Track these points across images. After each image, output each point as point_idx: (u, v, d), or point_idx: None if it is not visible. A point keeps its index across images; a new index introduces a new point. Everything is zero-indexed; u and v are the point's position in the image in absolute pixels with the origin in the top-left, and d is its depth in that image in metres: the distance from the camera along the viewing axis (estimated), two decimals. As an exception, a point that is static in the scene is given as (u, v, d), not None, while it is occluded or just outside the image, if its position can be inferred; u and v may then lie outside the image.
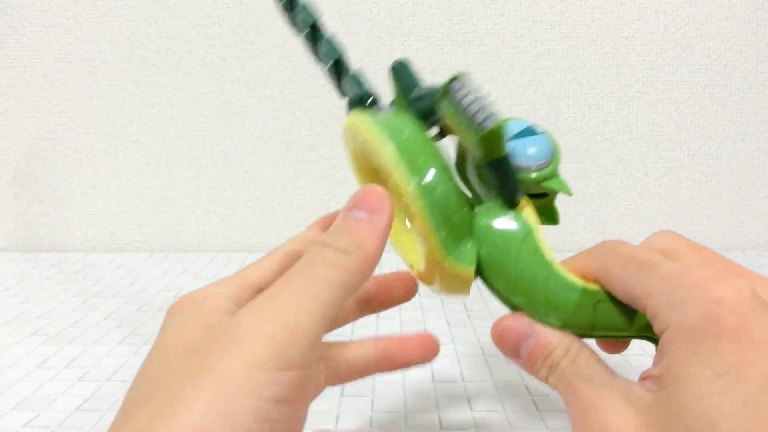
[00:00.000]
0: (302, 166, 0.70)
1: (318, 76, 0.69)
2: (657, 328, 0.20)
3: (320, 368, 0.26)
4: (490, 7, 0.67)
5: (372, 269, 0.22)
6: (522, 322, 0.23)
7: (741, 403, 0.17)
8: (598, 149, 0.70)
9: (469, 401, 0.38)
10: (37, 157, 0.71)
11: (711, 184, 0.72)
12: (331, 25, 0.66)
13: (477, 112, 0.22)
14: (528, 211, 0.25)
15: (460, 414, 0.36)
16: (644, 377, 0.20)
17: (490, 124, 0.22)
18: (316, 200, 0.69)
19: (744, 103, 0.69)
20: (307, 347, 0.19)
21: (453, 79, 0.23)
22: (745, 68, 0.68)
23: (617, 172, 0.71)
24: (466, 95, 0.23)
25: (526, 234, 0.24)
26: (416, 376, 0.41)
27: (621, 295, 0.22)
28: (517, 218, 0.24)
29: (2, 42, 0.68)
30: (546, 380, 0.23)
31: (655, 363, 0.20)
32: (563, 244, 0.72)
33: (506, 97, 0.69)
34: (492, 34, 0.67)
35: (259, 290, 0.22)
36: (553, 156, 0.25)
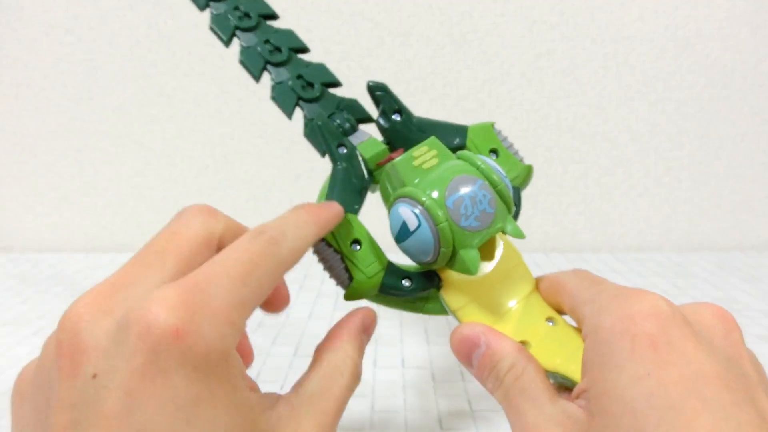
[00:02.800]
0: (302, 166, 0.70)
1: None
2: (582, 336, 0.21)
3: None
4: (490, 7, 0.67)
5: None
6: (476, 330, 0.23)
7: (664, 409, 0.16)
8: (598, 149, 0.70)
9: (469, 401, 0.38)
10: (37, 157, 0.71)
11: (711, 184, 0.72)
12: (332, 25, 0.66)
13: (335, 273, 0.25)
14: (444, 292, 0.26)
15: (460, 414, 0.36)
16: (576, 394, 0.20)
17: (344, 288, 0.25)
18: (316, 200, 0.69)
19: (744, 103, 0.69)
20: None
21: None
22: (745, 68, 0.68)
23: (617, 172, 0.71)
24: (321, 258, 0.25)
25: (452, 313, 0.25)
26: (416, 376, 0.41)
27: (568, 304, 0.23)
28: (442, 300, 0.26)
29: (2, 42, 0.68)
30: (492, 393, 0.22)
31: (582, 376, 0.20)
32: (563, 245, 0.72)
33: (506, 97, 0.69)
34: (492, 34, 0.67)
35: None
36: (437, 246, 0.24)
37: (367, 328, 0.24)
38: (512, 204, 0.24)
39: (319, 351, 0.23)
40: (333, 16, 0.66)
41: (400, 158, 0.25)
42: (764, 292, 0.57)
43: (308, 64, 0.32)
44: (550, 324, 0.24)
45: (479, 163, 0.24)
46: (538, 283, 0.26)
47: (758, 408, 0.17)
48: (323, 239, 0.25)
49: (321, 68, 0.32)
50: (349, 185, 0.27)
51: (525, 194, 0.78)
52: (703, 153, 0.71)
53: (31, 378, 0.18)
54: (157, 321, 0.16)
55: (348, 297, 0.25)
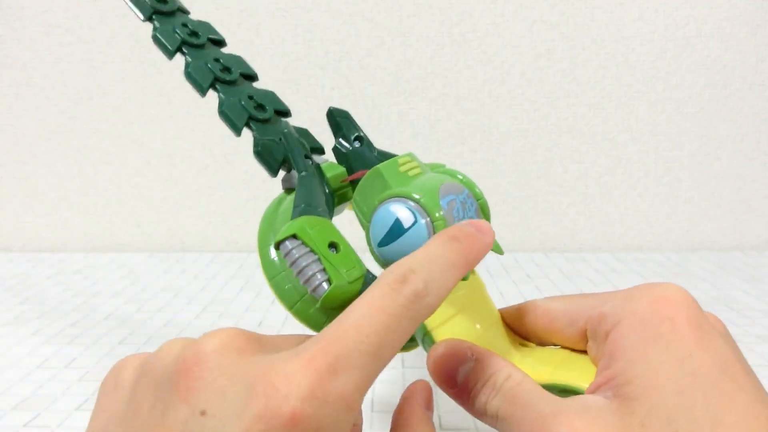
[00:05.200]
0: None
1: (317, 76, 0.70)
2: (604, 329, 0.20)
3: None
4: (490, 7, 0.67)
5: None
6: (463, 345, 0.22)
7: (707, 387, 0.17)
8: (598, 149, 0.70)
9: (469, 401, 0.38)
10: (37, 157, 0.71)
11: (711, 184, 0.72)
12: (332, 25, 0.66)
13: (310, 276, 0.22)
14: None
15: (460, 414, 0.36)
16: (596, 387, 0.19)
17: (324, 289, 0.21)
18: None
19: (744, 103, 0.69)
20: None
21: (280, 240, 0.22)
22: (745, 68, 0.68)
23: (617, 172, 0.71)
24: (297, 257, 0.22)
25: (423, 335, 0.24)
26: (416, 376, 0.41)
27: (568, 320, 0.22)
28: None
29: (2, 42, 0.68)
30: (485, 406, 0.20)
31: (604, 369, 0.19)
32: (564, 245, 0.72)
33: (506, 97, 0.69)
34: (492, 34, 0.67)
35: None
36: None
37: (429, 404, 0.23)
38: (489, 218, 0.24)
39: None
40: (333, 16, 0.66)
41: (384, 164, 0.24)
42: (764, 292, 0.57)
43: (258, 90, 0.32)
44: (524, 348, 0.24)
45: (460, 176, 0.25)
46: (520, 313, 0.25)
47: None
48: (297, 237, 0.22)
49: (272, 95, 0.32)
50: (321, 190, 0.27)
51: (525, 195, 0.78)
52: (703, 153, 0.71)
53: (138, 367, 0.18)
54: (280, 406, 0.15)
55: (325, 302, 0.22)
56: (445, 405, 0.37)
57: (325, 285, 0.22)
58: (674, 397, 0.17)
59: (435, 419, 0.36)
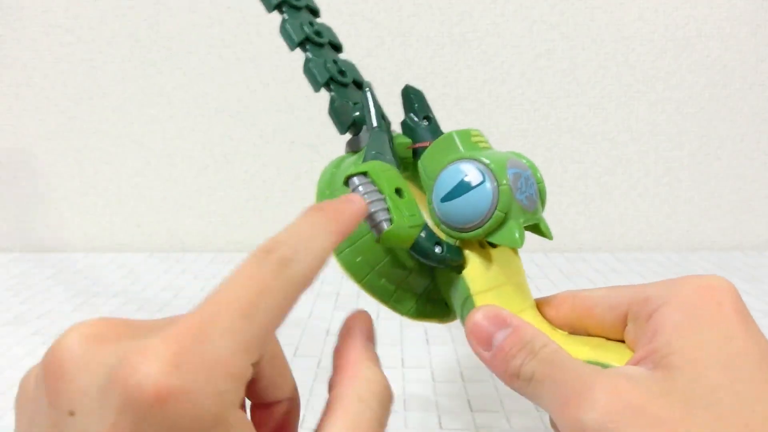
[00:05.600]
0: (302, 166, 0.70)
1: (318, 76, 0.69)
2: (647, 311, 0.21)
3: None
4: (490, 7, 0.67)
5: None
6: (500, 313, 0.23)
7: (752, 367, 0.18)
8: (598, 149, 0.70)
9: (469, 401, 0.38)
10: (37, 157, 0.71)
11: (711, 184, 0.72)
12: (332, 25, 0.66)
13: (373, 213, 0.22)
14: (470, 272, 0.24)
15: (460, 414, 0.36)
16: (638, 359, 0.20)
17: (384, 227, 0.22)
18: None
19: (744, 103, 0.69)
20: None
21: (351, 175, 0.23)
22: (745, 68, 0.68)
23: (617, 172, 0.71)
24: (363, 193, 0.23)
25: (465, 299, 0.24)
26: (416, 375, 0.41)
27: (608, 306, 0.23)
28: (460, 283, 0.24)
29: (2, 42, 0.68)
30: (520, 368, 0.21)
31: (646, 344, 0.20)
32: (564, 245, 0.72)
33: (506, 97, 0.69)
34: (492, 34, 0.67)
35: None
36: (493, 208, 0.23)
37: (369, 334, 0.22)
38: (544, 204, 0.25)
39: (333, 387, 0.19)
40: (333, 16, 0.66)
41: (457, 131, 0.26)
42: (764, 292, 0.57)
43: (342, 60, 0.34)
44: (559, 331, 0.24)
45: (525, 160, 0.25)
46: (556, 302, 0.25)
47: None
48: (367, 175, 0.23)
49: (353, 66, 0.34)
50: (390, 147, 0.27)
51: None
52: (703, 153, 0.71)
53: (32, 383, 0.18)
54: (140, 385, 0.14)
55: (384, 241, 0.23)
56: (445, 405, 0.37)
57: (385, 224, 0.22)
58: (717, 371, 0.17)
59: (435, 419, 0.36)
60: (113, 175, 0.72)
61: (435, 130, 0.31)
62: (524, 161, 0.25)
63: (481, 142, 0.26)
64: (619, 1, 0.66)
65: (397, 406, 0.38)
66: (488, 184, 0.23)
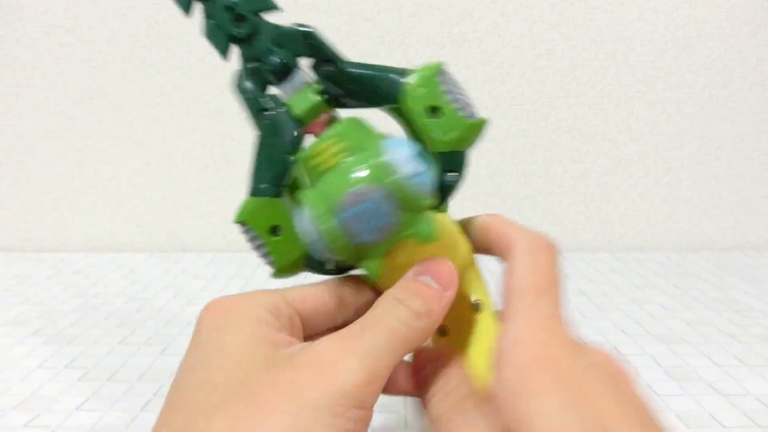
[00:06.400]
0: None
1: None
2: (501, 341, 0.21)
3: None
4: (490, 7, 0.67)
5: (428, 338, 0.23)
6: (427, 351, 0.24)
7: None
8: (598, 149, 0.70)
9: (469, 401, 0.38)
10: (37, 157, 0.71)
11: (711, 184, 0.72)
12: (332, 25, 0.66)
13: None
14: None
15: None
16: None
17: (271, 269, 0.24)
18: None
19: (744, 103, 0.69)
20: (378, 392, 0.20)
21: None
22: (745, 68, 0.68)
23: (617, 172, 0.71)
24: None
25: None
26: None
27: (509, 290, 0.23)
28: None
29: (2, 42, 0.68)
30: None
31: (500, 408, 0.20)
32: (563, 244, 0.72)
33: (506, 97, 0.69)
34: (492, 34, 0.67)
35: (298, 313, 0.23)
36: (329, 255, 0.24)
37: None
38: (425, 203, 0.23)
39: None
40: (333, 16, 0.66)
41: (300, 154, 0.24)
42: (764, 292, 0.57)
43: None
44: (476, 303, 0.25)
45: (381, 170, 0.22)
46: (470, 224, 0.26)
47: None
48: (244, 223, 0.25)
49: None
50: (271, 160, 0.26)
51: (525, 195, 0.78)
52: (703, 153, 0.71)
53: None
54: None
55: (275, 276, 0.25)
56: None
57: (270, 266, 0.25)
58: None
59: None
60: (113, 175, 0.72)
61: (339, 76, 0.27)
62: (375, 180, 0.21)
63: (324, 161, 0.23)
64: (619, 1, 0.66)
65: (397, 406, 0.38)
66: (318, 244, 0.23)
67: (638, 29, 0.67)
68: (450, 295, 0.23)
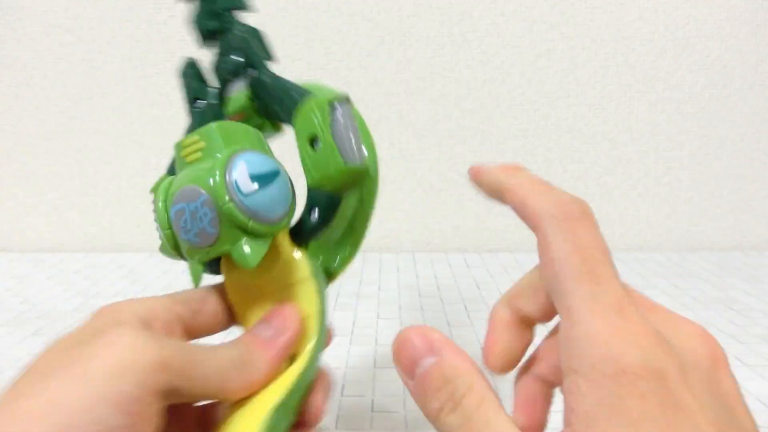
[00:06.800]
0: (301, 165, 0.70)
1: (317, 76, 0.69)
2: (563, 357, 0.18)
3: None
4: (490, 7, 0.67)
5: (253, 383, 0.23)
6: (429, 336, 0.20)
7: None
8: (598, 149, 0.70)
9: (469, 401, 0.38)
10: (37, 157, 0.71)
11: (711, 184, 0.72)
12: (332, 25, 0.66)
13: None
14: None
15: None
16: None
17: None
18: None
19: (744, 103, 0.69)
20: (154, 393, 0.19)
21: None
22: (745, 68, 0.68)
23: (617, 172, 0.71)
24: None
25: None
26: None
27: (544, 278, 0.20)
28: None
29: (2, 42, 0.68)
30: (439, 415, 0.19)
31: (566, 422, 0.17)
32: (563, 244, 0.72)
33: (506, 97, 0.69)
34: (492, 34, 0.67)
35: (184, 316, 0.23)
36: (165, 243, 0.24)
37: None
38: (247, 225, 0.21)
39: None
40: (333, 16, 0.66)
41: (177, 141, 0.24)
42: (764, 292, 0.57)
43: None
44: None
45: (210, 178, 0.21)
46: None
47: None
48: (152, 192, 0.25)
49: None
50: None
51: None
52: (703, 153, 0.71)
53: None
54: None
55: (161, 251, 0.24)
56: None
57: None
58: None
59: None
60: (113, 175, 0.72)
61: (256, 82, 0.27)
62: (201, 184, 0.21)
63: (191, 154, 0.23)
64: (619, 1, 0.66)
65: (396, 406, 0.38)
66: (158, 227, 0.23)
67: (638, 29, 0.67)
68: (281, 340, 0.23)
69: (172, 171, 0.26)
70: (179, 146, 0.24)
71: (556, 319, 0.22)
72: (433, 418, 0.19)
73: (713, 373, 0.18)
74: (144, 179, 0.71)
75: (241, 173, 0.21)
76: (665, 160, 0.71)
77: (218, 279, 0.25)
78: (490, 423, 0.18)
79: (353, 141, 0.23)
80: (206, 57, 0.29)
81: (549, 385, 0.23)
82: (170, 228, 0.23)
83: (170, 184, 0.23)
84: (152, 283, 0.60)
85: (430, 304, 0.54)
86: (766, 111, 0.70)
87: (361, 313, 0.51)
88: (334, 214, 0.24)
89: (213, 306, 0.25)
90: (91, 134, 0.71)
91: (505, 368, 0.22)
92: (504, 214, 0.72)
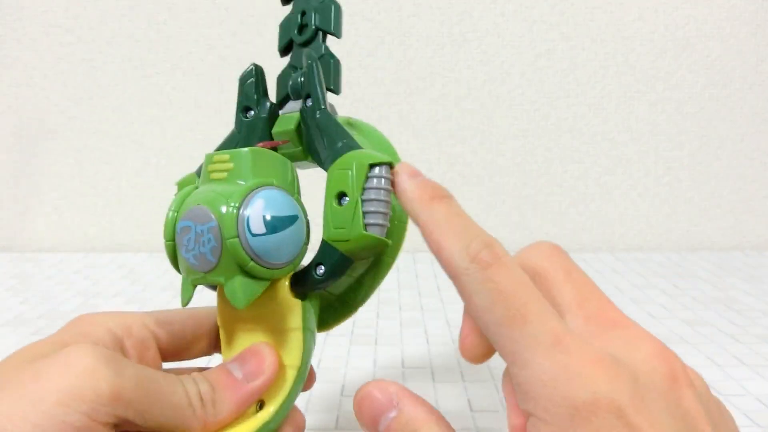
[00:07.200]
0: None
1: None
2: (520, 404, 0.18)
3: None
4: (490, 7, 0.67)
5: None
6: (389, 390, 0.20)
7: None
8: (598, 149, 0.70)
9: (469, 401, 0.38)
10: (38, 157, 0.71)
11: (711, 184, 0.72)
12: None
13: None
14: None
15: (460, 414, 0.36)
16: None
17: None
18: (316, 200, 0.69)
19: (744, 103, 0.69)
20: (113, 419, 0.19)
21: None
22: (745, 68, 0.68)
23: (617, 172, 0.71)
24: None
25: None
26: (416, 376, 0.41)
27: (482, 328, 0.20)
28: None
29: (2, 42, 0.68)
30: None
31: None
32: (563, 245, 0.71)
33: (506, 97, 0.69)
34: (492, 34, 0.67)
35: (160, 336, 0.23)
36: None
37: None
38: (246, 264, 0.21)
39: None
40: (333, 16, 0.66)
41: (209, 153, 0.24)
42: (764, 292, 0.57)
43: (322, 2, 0.28)
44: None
45: (224, 205, 0.21)
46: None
47: None
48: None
49: (327, 8, 0.28)
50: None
51: (525, 194, 0.78)
52: (703, 153, 0.71)
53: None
54: None
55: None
56: (445, 405, 0.37)
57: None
58: None
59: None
60: (113, 175, 0.72)
61: (310, 114, 0.25)
62: (214, 209, 0.21)
63: (216, 171, 0.23)
64: (619, 1, 0.66)
65: (397, 406, 0.37)
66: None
67: (638, 29, 0.67)
68: (253, 385, 0.22)
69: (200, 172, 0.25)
70: (209, 159, 0.24)
71: None
72: None
73: (673, 393, 0.17)
74: (144, 179, 0.71)
75: (256, 211, 0.21)
76: (665, 160, 0.71)
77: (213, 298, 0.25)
78: None
79: (381, 211, 0.22)
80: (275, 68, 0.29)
81: None
82: (173, 240, 0.22)
83: (187, 195, 0.23)
84: (152, 283, 0.60)
85: (430, 304, 0.54)
86: (766, 111, 0.70)
87: (361, 313, 0.51)
88: (341, 274, 0.23)
89: (193, 331, 0.24)
90: (91, 134, 0.71)
91: (479, 359, 0.22)
92: (503, 215, 0.72)
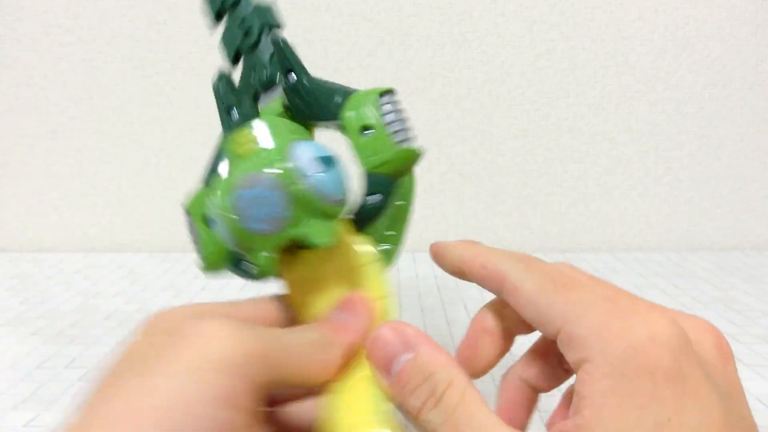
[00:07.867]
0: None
1: (319, 75, 0.70)
2: (572, 358, 0.18)
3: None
4: (490, 7, 0.67)
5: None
6: (405, 332, 0.20)
7: None
8: (598, 149, 0.70)
9: (469, 401, 0.38)
10: (38, 157, 0.71)
11: (711, 184, 0.72)
12: (332, 25, 0.66)
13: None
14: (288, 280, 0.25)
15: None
16: (557, 426, 0.17)
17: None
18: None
19: (744, 103, 0.69)
20: (252, 393, 0.18)
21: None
22: (745, 68, 0.68)
23: (617, 172, 0.71)
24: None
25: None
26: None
27: (527, 315, 0.20)
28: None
29: (2, 42, 0.68)
30: (419, 413, 0.18)
31: (574, 413, 0.17)
32: (563, 245, 0.72)
33: (506, 97, 0.69)
34: (492, 34, 0.67)
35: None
36: (229, 240, 0.23)
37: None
38: (317, 204, 0.22)
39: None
40: (333, 16, 0.66)
41: (221, 140, 0.25)
42: (764, 292, 0.57)
43: (256, 5, 0.28)
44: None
45: (275, 163, 0.22)
46: (466, 264, 0.24)
47: None
48: (186, 211, 0.25)
49: (264, 8, 0.29)
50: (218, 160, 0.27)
51: (525, 194, 0.78)
52: (703, 153, 0.71)
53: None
54: None
55: (204, 270, 0.25)
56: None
57: (200, 259, 0.25)
58: None
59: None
60: (113, 175, 0.72)
61: (298, 87, 0.26)
62: (268, 170, 0.22)
63: (242, 146, 0.24)
64: (619, 1, 0.66)
65: (397, 406, 0.37)
66: (220, 223, 0.23)
67: (638, 29, 0.67)
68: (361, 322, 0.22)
69: (207, 180, 0.26)
70: (231, 141, 0.24)
71: (536, 333, 0.22)
72: (413, 416, 0.19)
73: (721, 358, 0.18)
74: (144, 179, 0.71)
75: (306, 156, 0.22)
76: (665, 160, 0.71)
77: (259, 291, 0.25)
78: (473, 418, 0.17)
79: (406, 127, 0.25)
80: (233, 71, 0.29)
81: (535, 390, 0.23)
82: (234, 222, 0.22)
83: (222, 181, 0.23)
84: (152, 283, 0.60)
85: (430, 304, 0.54)
86: (766, 111, 0.70)
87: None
88: (392, 194, 0.25)
89: (267, 314, 0.23)
90: (91, 134, 0.71)
91: (476, 375, 0.22)
92: (503, 215, 0.72)
